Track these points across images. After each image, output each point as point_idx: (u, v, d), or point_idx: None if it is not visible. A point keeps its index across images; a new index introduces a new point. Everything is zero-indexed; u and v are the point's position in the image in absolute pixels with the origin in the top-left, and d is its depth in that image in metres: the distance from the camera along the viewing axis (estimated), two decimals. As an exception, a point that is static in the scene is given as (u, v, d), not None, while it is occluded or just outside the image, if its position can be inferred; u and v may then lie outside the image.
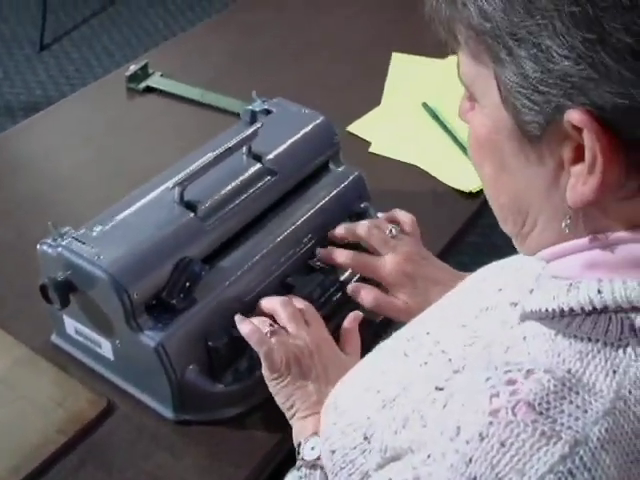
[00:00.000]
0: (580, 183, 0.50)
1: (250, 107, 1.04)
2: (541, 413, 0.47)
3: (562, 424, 0.47)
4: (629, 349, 0.50)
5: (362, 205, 1.02)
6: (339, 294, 0.96)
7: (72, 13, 3.32)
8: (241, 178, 0.93)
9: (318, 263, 0.95)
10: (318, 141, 1.03)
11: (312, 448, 0.74)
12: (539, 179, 0.53)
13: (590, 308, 0.52)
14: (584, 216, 0.52)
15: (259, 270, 0.90)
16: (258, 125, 0.94)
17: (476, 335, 0.60)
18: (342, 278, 0.97)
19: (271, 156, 0.97)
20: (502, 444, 0.47)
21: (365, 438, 0.61)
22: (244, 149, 0.95)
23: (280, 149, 0.98)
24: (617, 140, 0.48)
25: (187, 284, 0.84)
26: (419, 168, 1.21)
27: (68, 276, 0.83)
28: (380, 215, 1.00)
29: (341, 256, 0.94)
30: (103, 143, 1.26)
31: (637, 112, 0.46)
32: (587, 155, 0.48)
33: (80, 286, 0.83)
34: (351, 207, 1.02)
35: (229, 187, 0.92)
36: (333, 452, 0.64)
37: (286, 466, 0.76)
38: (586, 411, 0.48)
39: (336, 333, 0.87)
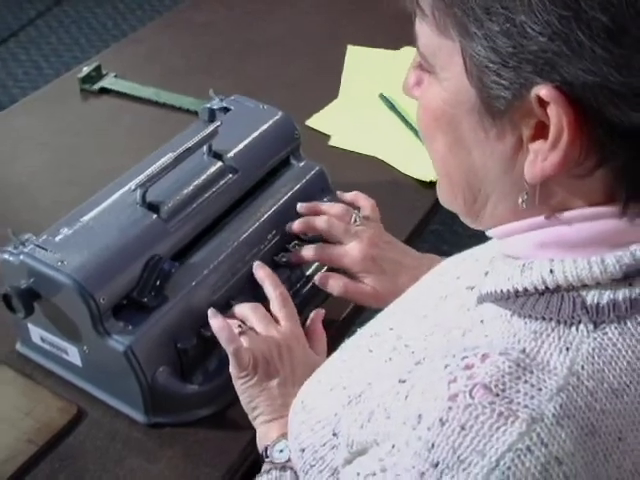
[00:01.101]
0: (540, 159, 0.50)
1: (208, 105, 1.03)
2: (497, 394, 0.48)
3: (518, 403, 0.48)
4: (581, 326, 0.51)
5: (325, 199, 1.02)
6: (306, 288, 0.96)
7: (17, 14, 3.25)
8: (202, 177, 0.93)
9: (284, 259, 0.95)
10: (278, 137, 1.02)
11: (280, 451, 0.74)
12: (496, 155, 0.53)
13: (543, 288, 0.53)
14: (541, 193, 0.53)
15: (225, 268, 0.90)
16: (217, 123, 0.94)
17: (436, 324, 0.60)
18: (308, 272, 0.97)
19: (232, 154, 0.96)
20: (462, 427, 0.48)
21: (334, 434, 0.61)
22: (204, 148, 0.95)
23: (240, 146, 0.98)
24: (582, 117, 0.48)
25: (158, 282, 0.84)
26: (379, 159, 1.21)
27: (31, 284, 0.82)
28: (339, 193, 1.00)
29: (307, 253, 0.94)
30: (59, 147, 1.24)
31: (606, 90, 0.47)
32: (552, 130, 0.49)
33: (44, 293, 0.82)
34: (314, 201, 1.01)
35: (191, 187, 0.91)
36: (303, 450, 0.64)
37: (261, 463, 0.76)
38: (540, 389, 0.49)
39: (303, 328, 0.87)
